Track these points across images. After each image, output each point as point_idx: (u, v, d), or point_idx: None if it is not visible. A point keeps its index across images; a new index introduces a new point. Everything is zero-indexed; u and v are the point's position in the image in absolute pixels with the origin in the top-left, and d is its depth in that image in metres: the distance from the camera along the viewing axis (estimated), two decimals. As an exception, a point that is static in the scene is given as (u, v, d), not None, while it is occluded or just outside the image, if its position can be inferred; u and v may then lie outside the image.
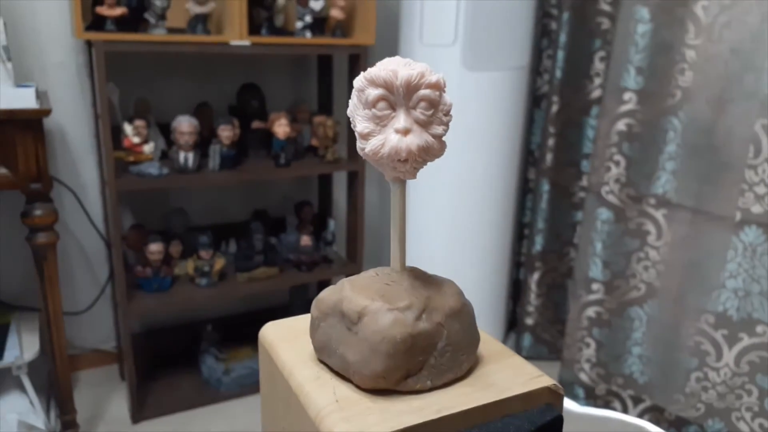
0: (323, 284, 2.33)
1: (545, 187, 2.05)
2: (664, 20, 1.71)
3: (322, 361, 0.54)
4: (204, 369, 2.02)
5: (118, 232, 1.75)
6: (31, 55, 1.83)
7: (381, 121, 0.48)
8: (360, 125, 0.49)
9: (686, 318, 1.76)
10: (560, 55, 2.00)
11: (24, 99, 1.43)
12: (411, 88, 0.47)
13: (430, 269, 2.06)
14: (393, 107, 0.48)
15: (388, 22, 2.12)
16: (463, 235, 2.07)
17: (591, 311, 1.92)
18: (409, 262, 2.03)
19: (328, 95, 2.22)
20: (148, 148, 1.78)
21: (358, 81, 0.49)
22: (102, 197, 1.99)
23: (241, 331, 2.20)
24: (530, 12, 1.98)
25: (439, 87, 0.48)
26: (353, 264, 2.12)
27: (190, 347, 2.11)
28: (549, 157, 2.04)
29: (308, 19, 1.90)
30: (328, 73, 2.21)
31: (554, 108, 2.02)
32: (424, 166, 0.51)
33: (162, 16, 1.71)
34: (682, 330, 1.77)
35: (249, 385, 2.02)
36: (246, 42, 1.77)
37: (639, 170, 1.80)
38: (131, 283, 1.83)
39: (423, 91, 0.48)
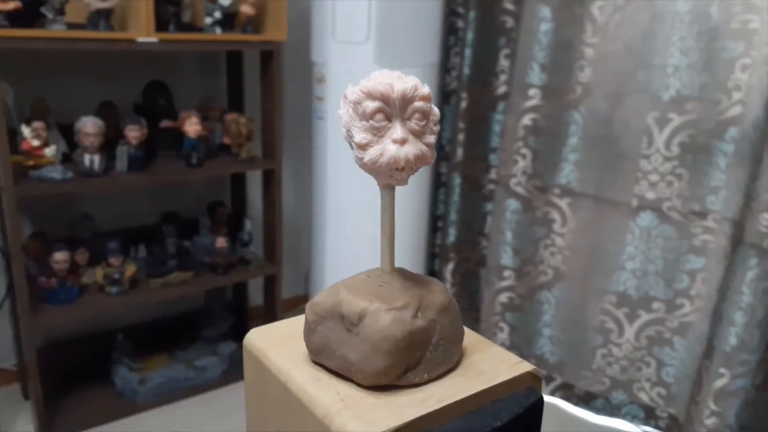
0: (240, 287, 2.29)
1: (457, 180, 2.13)
2: (564, 19, 1.81)
3: (317, 363, 0.55)
4: (117, 380, 1.94)
5: (17, 242, 1.64)
6: None
7: (378, 132, 0.50)
8: (358, 136, 0.51)
9: (591, 299, 1.88)
10: (468, 52, 2.07)
11: None
12: (406, 101, 0.50)
13: (351, 263, 2.07)
14: (389, 118, 0.50)
15: (300, 18, 2.11)
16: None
17: (504, 297, 2.02)
18: (331, 256, 2.03)
19: (239, 92, 2.18)
20: (49, 151, 1.68)
21: (354, 94, 0.51)
22: (-3, 204, 1.86)
23: (155, 338, 2.13)
24: (438, 10, 2.04)
25: (430, 99, 0.51)
26: (272, 264, 2.11)
27: (101, 359, 2.02)
28: (460, 152, 2.11)
29: (217, 14, 1.86)
30: (238, 70, 2.17)
31: (463, 104, 2.09)
32: (414, 173, 0.53)
33: (60, 11, 1.62)
34: (587, 310, 1.89)
35: (166, 394, 1.96)
36: (153, 39, 1.71)
37: (544, 162, 1.90)
38: (35, 296, 1.73)
39: (417, 103, 0.50)
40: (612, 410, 1.91)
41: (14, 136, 1.65)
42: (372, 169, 0.51)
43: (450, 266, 2.19)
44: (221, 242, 2.02)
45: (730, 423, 1.58)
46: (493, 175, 2.08)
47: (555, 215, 1.91)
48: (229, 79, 2.21)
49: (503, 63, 2.07)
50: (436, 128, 0.53)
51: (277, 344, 0.59)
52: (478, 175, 2.12)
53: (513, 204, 1.94)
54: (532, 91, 1.88)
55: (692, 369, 1.72)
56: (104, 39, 1.66)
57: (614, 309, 1.84)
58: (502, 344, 2.05)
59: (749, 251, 1.51)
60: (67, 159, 1.77)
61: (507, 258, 1.99)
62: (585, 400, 1.95)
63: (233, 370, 2.10)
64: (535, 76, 1.87)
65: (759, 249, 1.49)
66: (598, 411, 1.93)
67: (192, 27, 1.89)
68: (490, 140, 2.10)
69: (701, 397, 1.63)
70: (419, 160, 0.51)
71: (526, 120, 1.89)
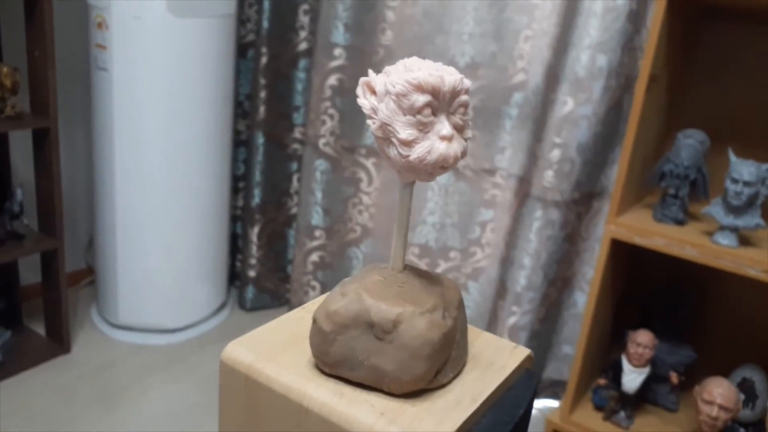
0: (11, 266, 1.97)
1: (260, 139, 2.06)
2: (366, -20, 1.83)
3: (332, 376, 0.50)
4: None
5: None
6: None
7: (425, 128, 0.46)
8: (403, 133, 0.45)
9: (396, 252, 2.00)
10: (266, 5, 1.99)
11: None
12: (454, 94, 0.46)
13: (145, 229, 1.92)
14: (435, 113, 0.46)
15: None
16: (180, 191, 1.96)
17: (315, 256, 2.03)
18: (121, 223, 1.86)
19: (-8, 36, 1.82)
20: None
21: (398, 85, 0.45)
22: None
23: None
24: (234, -43, 1.91)
25: (469, 92, 0.48)
26: (51, 238, 1.84)
27: None
28: (262, 110, 2.04)
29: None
30: (-13, 8, 1.80)
31: (263, 59, 2.01)
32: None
33: None
34: (393, 263, 2.00)
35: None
36: None
37: (350, 123, 1.93)
38: None
39: (463, 97, 0.47)
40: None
41: None
42: (415, 167, 0.47)
43: (256, 229, 2.13)
44: (-16, 215, 1.70)
45: (524, 353, 1.82)
46: (297, 134, 2.06)
47: (362, 174, 1.96)
48: (-23, 17, 1.82)
49: (303, 19, 2.02)
50: (470, 121, 0.51)
51: (271, 358, 0.51)
52: (282, 134, 2.07)
53: (322, 164, 1.95)
54: (337, 51, 1.88)
55: (485, 308, 1.94)
56: None
57: (417, 260, 1.98)
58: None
59: (535, 203, 1.73)
60: None
61: (318, 218, 2.00)
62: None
63: (10, 362, 1.82)
64: (340, 35, 1.87)
65: (544, 201, 1.72)
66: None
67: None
68: (292, 99, 2.06)
69: (497, 333, 1.85)
70: (462, 155, 0.49)
71: (332, 80, 1.89)
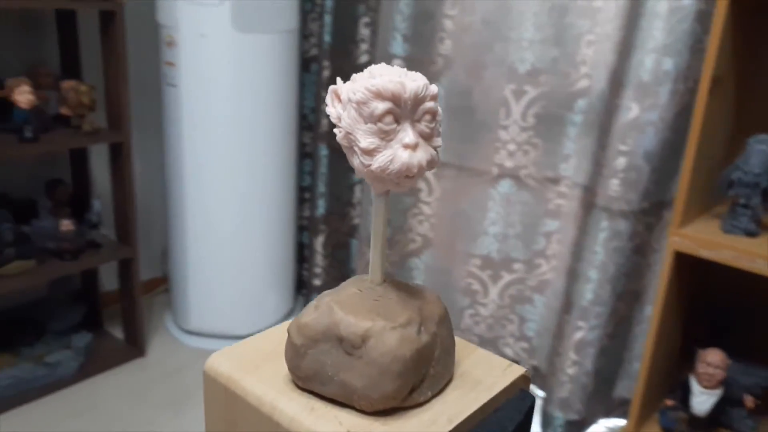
0: (89, 272, 2.09)
1: (324, 151, 2.09)
2: (424, -10, 1.82)
3: (306, 390, 0.49)
4: (-50, 389, 1.70)
5: None
6: None
7: (387, 136, 0.45)
8: (364, 141, 0.45)
9: (457, 263, 1.97)
10: (327, 19, 2.02)
11: None
12: (418, 101, 0.45)
13: (214, 238, 1.97)
14: (398, 121, 0.45)
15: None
16: (247, 202, 2.02)
17: (375, 267, 2.04)
18: (192, 233, 1.92)
19: (74, 57, 1.94)
20: None
21: (359, 93, 0.44)
22: None
23: (-8, 336, 1.89)
24: (296, -26, 1.96)
25: (437, 98, 0.46)
26: (127, 247, 1.94)
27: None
28: (325, 122, 2.07)
29: (46, -32, 1.63)
30: (71, 31, 1.93)
31: (326, 73, 2.04)
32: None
33: None
34: (454, 274, 1.98)
35: (14, 397, 1.75)
36: (-32, -6, 1.46)
37: (410, 132, 1.92)
38: None
39: (428, 104, 0.45)
40: (480, 367, 2.02)
41: None
42: (378, 177, 0.46)
43: (321, 238, 2.16)
44: (67, 225, 1.81)
45: (588, 370, 1.75)
46: (358, 145, 2.07)
47: (422, 184, 1.95)
48: (61, 42, 1.95)
49: (363, 32, 2.04)
50: (440, 129, 0.49)
51: (249, 370, 0.52)
52: (344, 145, 2.09)
53: (381, 174, 1.95)
54: (395, 62, 1.87)
55: (551, 323, 1.87)
56: None
57: (479, 271, 1.94)
58: (374, 312, 2.08)
59: (601, 214, 1.66)
60: None
61: (376, 228, 2.00)
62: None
63: (90, 364, 1.93)
64: (399, 46, 1.87)
65: (610, 212, 1.64)
66: (467, 369, 2.04)
67: (16, -19, 1.64)
68: (354, 110, 2.08)
69: (563, 349, 1.78)
70: (429, 165, 0.47)
71: (392, 90, 1.89)
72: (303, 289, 2.39)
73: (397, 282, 0.53)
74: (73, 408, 1.80)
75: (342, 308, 0.48)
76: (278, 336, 0.56)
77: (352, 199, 2.12)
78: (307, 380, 0.49)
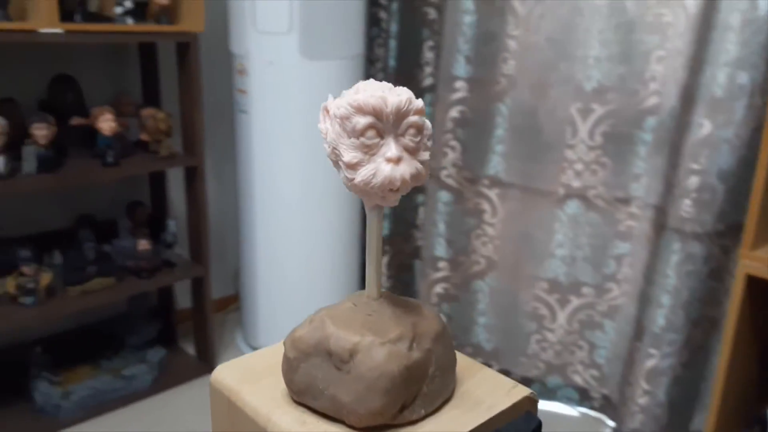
0: (165, 290, 2.19)
1: (387, 172, 2.11)
2: (487, 11, 1.82)
3: (300, 404, 0.50)
4: (37, 396, 1.81)
5: None
6: None
7: (369, 150, 0.46)
8: (347, 155, 0.46)
9: (523, 286, 1.92)
10: (392, 44, 2.05)
11: None
12: (400, 115, 0.46)
13: (283, 259, 2.01)
14: (381, 135, 0.46)
15: (217, 7, 2.02)
16: (315, 224, 2.06)
17: (439, 288, 2.02)
18: (262, 253, 1.96)
19: (154, 86, 2.06)
20: (-55, 155, 1.53)
21: (342, 108, 0.46)
22: None
23: (75, 348, 2.00)
24: (361, 1, 2.00)
25: (423, 112, 0.47)
26: (199, 266, 2.02)
27: (17, 375, 1.87)
28: (389, 144, 2.09)
29: (128, 4, 1.75)
30: (152, 62, 2.05)
31: (391, 95, 2.07)
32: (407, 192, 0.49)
33: (-50, 0, 1.48)
34: (520, 297, 1.93)
35: (93, 407, 1.85)
36: (58, 30, 1.59)
37: (473, 154, 1.91)
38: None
39: (412, 118, 0.46)
40: (548, 394, 1.96)
41: None
42: (363, 190, 0.47)
43: (385, 259, 2.17)
44: (144, 245, 1.91)
45: (661, 401, 1.65)
46: (422, 166, 2.07)
47: (485, 206, 1.93)
48: (143, 72, 2.08)
49: (428, 55, 2.06)
50: (430, 143, 0.49)
51: (251, 382, 0.53)
52: (408, 166, 2.10)
53: (445, 196, 1.95)
54: (458, 84, 1.88)
55: (623, 350, 1.79)
56: (2, 30, 1.52)
57: (546, 295, 1.89)
58: (438, 335, 2.06)
59: (673, 236, 1.58)
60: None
61: (441, 249, 2.00)
62: (522, 385, 1.99)
63: (164, 378, 2.01)
64: (461, 68, 1.87)
65: (682, 234, 1.56)
66: (533, 395, 1.98)
67: (100, 17, 1.77)
68: (418, 132, 2.09)
69: (634, 378, 1.70)
70: (414, 179, 0.47)
71: (454, 112, 1.90)
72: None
73: (395, 297, 0.53)
74: (146, 420, 1.87)
75: (334, 322, 0.48)
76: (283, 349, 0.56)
77: (416, 221, 2.12)
78: (301, 394, 0.49)
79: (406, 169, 0.46)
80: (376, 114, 0.45)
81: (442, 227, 1.97)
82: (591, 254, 1.82)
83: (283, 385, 0.51)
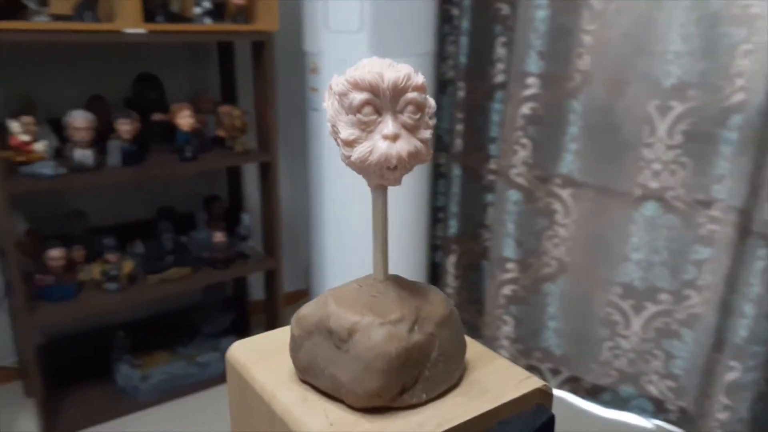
0: (239, 281, 2.27)
1: (456, 171, 2.09)
2: (561, 5, 1.76)
3: (305, 382, 0.51)
4: (119, 377, 1.91)
5: (11, 239, 1.61)
6: None
7: (367, 127, 0.45)
8: (344, 132, 0.46)
9: (596, 290, 1.85)
10: (464, 41, 2.03)
11: None
12: (398, 92, 0.45)
13: (351, 256, 2.03)
14: (379, 112, 0.45)
15: (292, 7, 2.07)
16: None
17: (507, 289, 1.98)
18: (330, 250, 1.98)
19: (232, 84, 2.14)
20: (40, 146, 1.64)
21: (339, 84, 0.46)
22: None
23: (154, 334, 2.10)
24: (433, -1, 1.99)
25: (424, 89, 0.46)
26: (271, 259, 2.08)
27: (101, 356, 2.00)
28: (458, 142, 2.07)
29: (207, 4, 1.82)
30: (229, 61, 2.13)
31: (461, 93, 2.05)
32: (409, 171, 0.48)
33: (44, 2, 1.58)
34: (592, 302, 1.86)
35: (169, 390, 1.94)
36: (141, 30, 1.67)
37: (544, 152, 1.86)
38: (31, 294, 1.70)
39: (410, 94, 0.45)
40: (620, 403, 1.88)
41: (2, 131, 1.61)
42: (361, 168, 0.46)
43: (452, 258, 2.16)
44: (219, 237, 1.98)
45: (742, 417, 1.55)
46: (492, 165, 2.04)
47: (557, 206, 1.87)
48: (222, 70, 2.16)
49: (500, 51, 2.02)
50: (432, 122, 0.47)
51: (261, 359, 0.54)
52: (478, 165, 2.08)
53: (514, 195, 1.91)
54: (530, 80, 1.83)
55: (702, 361, 1.69)
56: (90, 31, 1.62)
57: (620, 301, 1.81)
58: (507, 337, 2.02)
59: (758, 241, 1.48)
60: (58, 155, 1.73)
61: (510, 250, 1.96)
62: (593, 393, 1.93)
63: (233, 367, 2.08)
64: (534, 64, 1.82)
65: (767, 239, 1.46)
66: (606, 404, 1.91)
67: (181, 17, 1.85)
68: (488, 130, 2.06)
69: (713, 391, 1.60)
70: (413, 157, 0.46)
71: (525, 109, 1.85)
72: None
73: (402, 280, 0.52)
74: (219, 405, 1.94)
75: (336, 302, 0.48)
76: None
77: (485, 220, 2.09)
78: (304, 371, 0.49)
79: (404, 146, 0.45)
80: (373, 90, 0.44)
81: (511, 227, 1.93)
82: (669, 259, 1.73)
83: (291, 364, 0.52)
